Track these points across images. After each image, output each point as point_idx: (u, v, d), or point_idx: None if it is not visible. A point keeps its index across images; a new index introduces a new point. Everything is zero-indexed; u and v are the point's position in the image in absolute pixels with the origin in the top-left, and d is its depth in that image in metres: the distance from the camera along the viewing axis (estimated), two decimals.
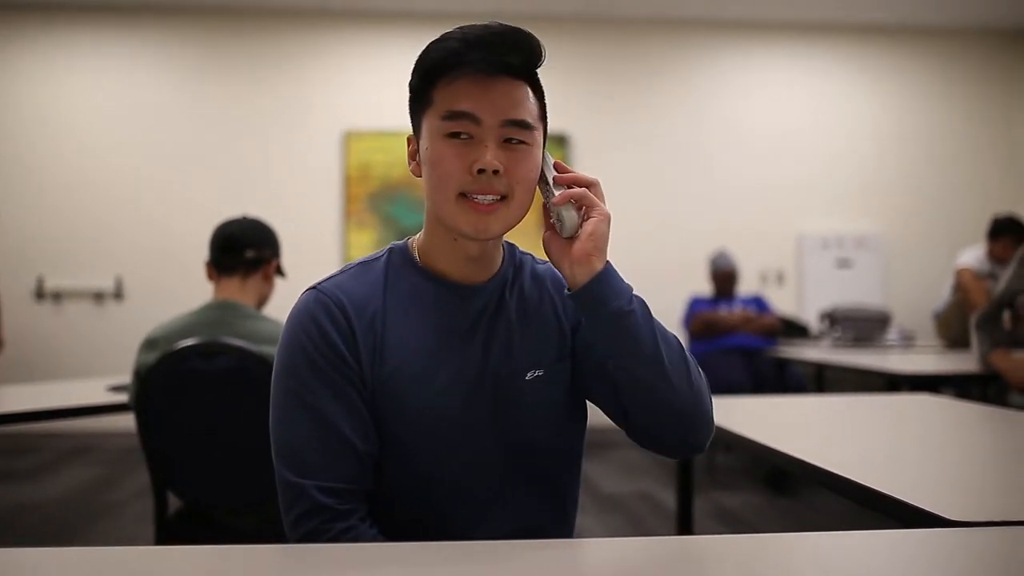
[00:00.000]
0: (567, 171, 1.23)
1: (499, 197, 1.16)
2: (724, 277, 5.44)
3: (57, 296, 6.54)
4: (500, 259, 1.29)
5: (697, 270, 6.21)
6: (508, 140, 1.16)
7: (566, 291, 1.21)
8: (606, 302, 1.16)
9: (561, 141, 6.74)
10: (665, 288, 5.77)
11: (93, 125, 6.64)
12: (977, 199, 7.11)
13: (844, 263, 7.00)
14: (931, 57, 7.23)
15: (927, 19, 7.03)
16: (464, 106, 1.15)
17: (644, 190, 6.87)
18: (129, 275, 6.59)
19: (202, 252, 2.34)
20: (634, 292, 1.20)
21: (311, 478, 1.14)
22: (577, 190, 1.19)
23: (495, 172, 1.14)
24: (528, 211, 1.21)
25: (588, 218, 1.18)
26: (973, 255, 5.12)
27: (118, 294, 6.58)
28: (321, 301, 1.19)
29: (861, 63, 7.17)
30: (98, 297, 6.57)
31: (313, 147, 6.72)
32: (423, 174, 1.20)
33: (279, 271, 2.39)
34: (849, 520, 3.92)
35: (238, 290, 2.27)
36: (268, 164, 6.70)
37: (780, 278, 7.02)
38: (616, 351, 1.18)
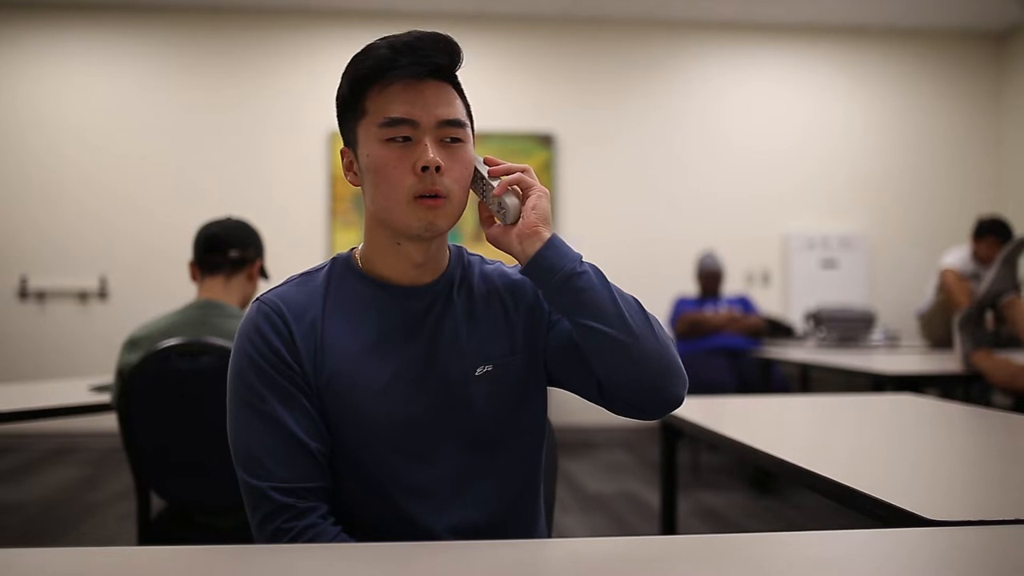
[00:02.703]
0: (497, 163, 1.28)
1: (440, 195, 1.19)
2: (709, 277, 5.46)
3: (41, 295, 6.50)
4: (446, 261, 1.31)
5: (683, 270, 6.23)
6: (443, 140, 1.21)
7: (519, 269, 1.25)
8: (559, 266, 1.20)
9: (547, 141, 6.74)
10: (651, 288, 5.78)
11: (77, 124, 6.59)
12: (962, 200, 7.15)
13: (829, 263, 7.03)
14: (916, 58, 7.27)
15: (912, 21, 7.07)
16: (400, 112, 1.19)
17: (630, 190, 6.88)
18: (113, 275, 6.55)
19: (187, 252, 2.33)
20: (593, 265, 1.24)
21: (269, 480, 1.17)
22: (513, 175, 1.24)
23: (437, 169, 1.18)
24: (466, 207, 1.26)
25: (527, 197, 1.24)
26: (957, 256, 5.16)
27: (102, 293, 6.54)
28: (262, 311, 1.24)
29: (847, 64, 7.21)
30: (82, 297, 6.53)
31: (299, 146, 6.70)
32: (365, 182, 1.23)
33: (263, 272, 2.38)
34: (832, 519, 3.94)
35: (222, 290, 2.26)
36: (254, 163, 6.68)
37: (766, 278, 7.05)
38: (578, 312, 1.20)
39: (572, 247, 1.23)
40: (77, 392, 2.91)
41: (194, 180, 6.61)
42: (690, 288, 5.89)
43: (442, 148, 1.20)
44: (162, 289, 5.90)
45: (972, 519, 1.20)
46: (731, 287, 6.21)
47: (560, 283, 1.20)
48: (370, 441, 1.22)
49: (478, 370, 1.27)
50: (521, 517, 1.33)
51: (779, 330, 5.82)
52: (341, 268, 1.30)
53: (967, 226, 5.32)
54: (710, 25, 7.06)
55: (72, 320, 6.51)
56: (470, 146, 1.24)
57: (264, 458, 1.18)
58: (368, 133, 1.21)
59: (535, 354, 1.32)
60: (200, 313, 2.18)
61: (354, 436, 1.22)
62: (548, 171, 6.69)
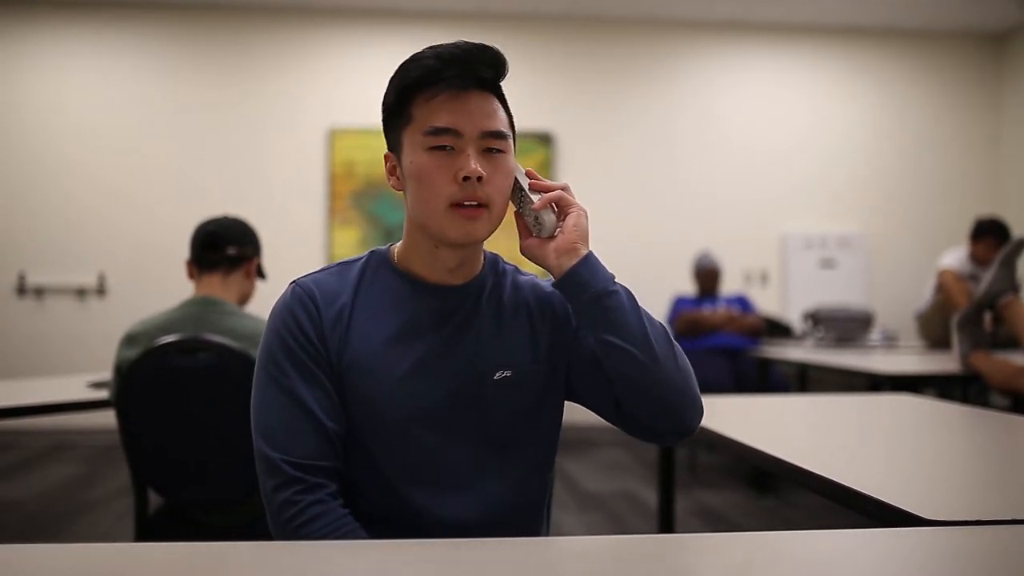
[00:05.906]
0: (537, 178, 1.33)
1: (481, 204, 1.23)
2: (707, 276, 5.46)
3: (39, 292, 6.49)
4: (479, 267, 1.35)
5: (681, 269, 6.23)
6: (485, 150, 1.24)
7: (551, 282, 1.30)
8: (592, 283, 1.25)
9: (545, 139, 6.74)
10: (649, 287, 5.75)
11: (77, 122, 6.59)
12: (960, 200, 7.16)
13: (828, 263, 7.03)
14: (915, 59, 7.27)
15: (911, 22, 7.07)
16: (445, 122, 1.23)
17: (628, 189, 6.88)
18: (112, 272, 6.54)
19: (185, 250, 2.32)
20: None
21: (283, 453, 1.22)
22: (554, 193, 1.29)
23: (479, 179, 1.22)
24: (505, 216, 1.30)
25: (568, 214, 1.29)
26: (955, 256, 5.15)
27: (101, 290, 6.53)
28: (296, 293, 1.30)
29: (846, 64, 7.21)
30: (80, 293, 6.53)
31: (298, 144, 6.69)
32: (407, 188, 1.28)
33: (260, 272, 2.37)
34: (830, 519, 3.94)
35: (219, 287, 2.25)
36: (253, 161, 6.67)
37: (764, 278, 7.05)
38: (605, 330, 1.24)
39: (606, 267, 1.27)
40: (75, 389, 2.90)
41: (193, 178, 6.61)
42: (689, 288, 5.89)
43: (484, 158, 1.24)
44: (160, 286, 5.88)
45: (969, 519, 1.20)
46: (729, 287, 6.20)
47: (591, 300, 1.24)
48: (382, 428, 1.26)
49: (496, 374, 1.30)
50: (525, 521, 1.36)
51: (777, 330, 5.82)
52: (377, 261, 1.35)
53: (965, 227, 5.32)
54: (709, 25, 7.06)
55: (70, 317, 6.50)
56: (511, 156, 1.28)
57: (281, 431, 1.23)
58: (413, 140, 1.25)
59: (556, 367, 1.35)
60: (198, 310, 2.18)
61: (368, 422, 1.26)
62: (547, 170, 6.69)
